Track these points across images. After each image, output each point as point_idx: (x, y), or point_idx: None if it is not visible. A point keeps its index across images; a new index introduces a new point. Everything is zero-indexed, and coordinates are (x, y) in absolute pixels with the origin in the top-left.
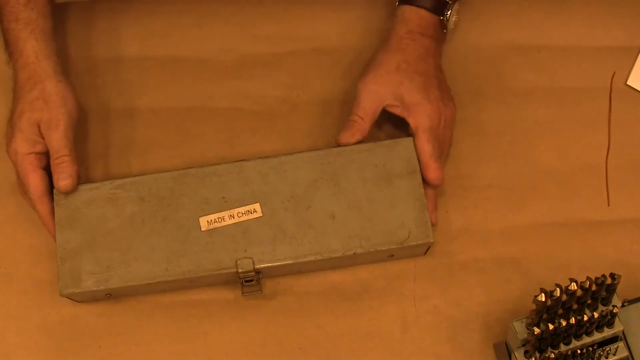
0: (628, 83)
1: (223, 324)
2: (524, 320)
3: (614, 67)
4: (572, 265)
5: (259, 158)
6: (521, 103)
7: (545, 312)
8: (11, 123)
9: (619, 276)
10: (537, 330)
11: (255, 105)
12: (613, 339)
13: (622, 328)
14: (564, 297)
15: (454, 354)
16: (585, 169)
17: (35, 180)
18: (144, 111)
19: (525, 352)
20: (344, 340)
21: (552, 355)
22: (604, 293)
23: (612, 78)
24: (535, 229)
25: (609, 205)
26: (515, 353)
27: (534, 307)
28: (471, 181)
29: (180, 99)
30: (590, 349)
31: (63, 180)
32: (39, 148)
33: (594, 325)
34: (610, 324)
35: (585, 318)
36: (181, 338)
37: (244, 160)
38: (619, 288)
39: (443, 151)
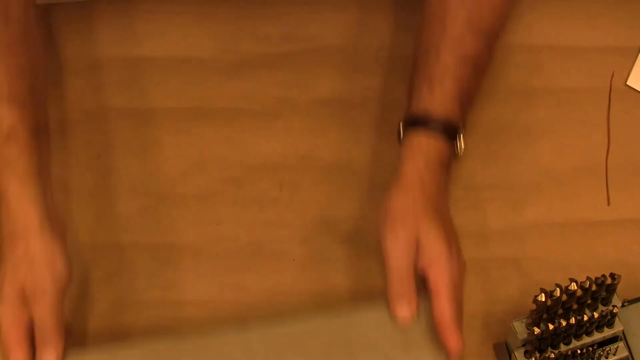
0: (628, 83)
1: (223, 324)
2: (524, 320)
3: (614, 67)
4: (572, 265)
5: (265, 327)
6: (521, 103)
7: (545, 312)
8: None
9: (619, 276)
10: (537, 330)
11: (255, 105)
12: (613, 339)
13: (622, 328)
14: (564, 297)
15: None
16: (585, 169)
17: (17, 356)
18: (143, 111)
19: (525, 352)
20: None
21: (552, 355)
22: (604, 293)
23: (611, 78)
24: (535, 229)
25: (609, 205)
26: (515, 353)
27: (534, 307)
28: (471, 181)
29: (180, 98)
30: (590, 349)
31: (47, 355)
32: (25, 318)
33: (594, 325)
34: (610, 324)
35: (585, 318)
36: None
37: (248, 328)
38: (619, 288)
39: (461, 314)
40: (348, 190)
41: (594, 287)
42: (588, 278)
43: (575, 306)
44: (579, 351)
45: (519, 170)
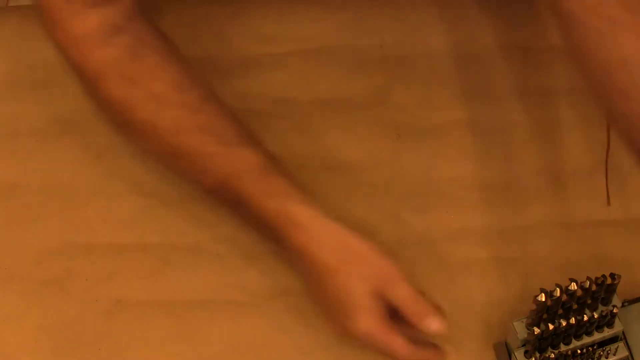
0: None
1: (223, 324)
2: (524, 320)
3: None
4: (572, 265)
5: None
6: (521, 103)
7: (545, 312)
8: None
9: (619, 276)
10: (537, 330)
11: (255, 105)
12: (613, 339)
13: (622, 328)
14: (564, 298)
15: (454, 354)
16: (585, 169)
17: (399, 343)
18: None
19: (526, 352)
20: (344, 340)
21: (552, 355)
22: (604, 293)
23: None
24: (535, 229)
25: (609, 205)
26: (516, 353)
27: (534, 307)
28: (471, 181)
29: None
30: (590, 349)
31: (434, 323)
32: (383, 311)
33: (594, 326)
34: (610, 324)
35: (585, 318)
36: (181, 338)
37: None
38: (618, 288)
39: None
40: (348, 191)
41: (594, 287)
42: (588, 278)
43: (575, 306)
44: (579, 351)
45: (519, 170)
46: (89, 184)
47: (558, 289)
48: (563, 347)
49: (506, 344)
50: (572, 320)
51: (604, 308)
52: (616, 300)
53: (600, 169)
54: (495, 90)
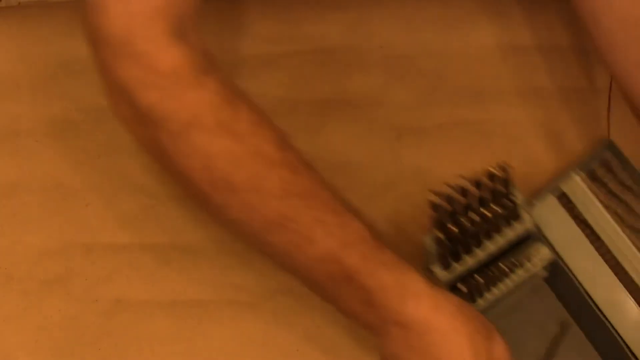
0: None
1: (223, 324)
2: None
3: None
4: None
5: None
6: (521, 103)
7: (449, 218)
8: None
9: (509, 166)
10: (441, 235)
11: None
12: (531, 240)
13: (533, 223)
14: (463, 200)
15: None
16: None
17: None
18: None
19: (442, 264)
20: (344, 340)
21: (470, 261)
22: (502, 187)
23: (611, 78)
24: None
25: None
26: (432, 268)
27: (433, 213)
28: None
29: None
30: (512, 262)
31: None
32: None
33: (502, 222)
34: (516, 218)
35: (488, 214)
36: (181, 338)
37: None
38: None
39: None
40: (348, 191)
41: (485, 181)
42: (476, 174)
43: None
44: (501, 265)
45: (519, 170)
46: (89, 184)
47: (448, 187)
48: (480, 253)
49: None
50: (475, 217)
51: (505, 200)
52: (517, 193)
53: None
54: (495, 90)
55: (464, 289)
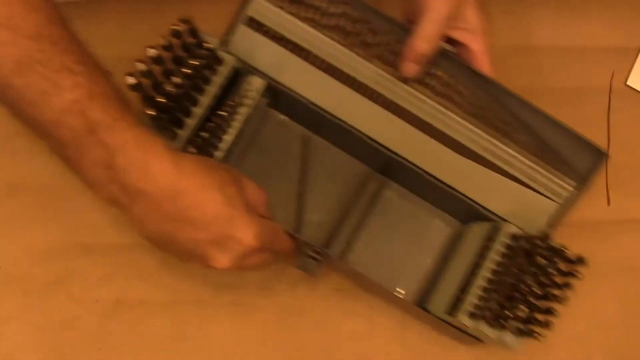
0: (628, 83)
1: (223, 324)
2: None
3: (614, 67)
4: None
5: None
6: None
7: (155, 92)
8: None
9: (189, 20)
10: (152, 111)
11: None
12: (244, 78)
13: (234, 59)
14: (156, 68)
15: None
16: None
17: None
18: None
19: (167, 136)
20: (344, 340)
21: (191, 122)
22: (192, 39)
23: (612, 78)
24: None
25: (609, 205)
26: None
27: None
28: None
29: None
30: (229, 106)
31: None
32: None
33: (207, 72)
34: (219, 62)
35: (188, 70)
36: (181, 338)
37: None
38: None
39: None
40: None
41: (174, 40)
42: (163, 37)
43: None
44: (221, 112)
45: None
46: None
47: (139, 63)
48: (199, 111)
49: None
50: (178, 79)
51: (200, 51)
52: (208, 38)
53: (601, 169)
54: None
55: (194, 150)
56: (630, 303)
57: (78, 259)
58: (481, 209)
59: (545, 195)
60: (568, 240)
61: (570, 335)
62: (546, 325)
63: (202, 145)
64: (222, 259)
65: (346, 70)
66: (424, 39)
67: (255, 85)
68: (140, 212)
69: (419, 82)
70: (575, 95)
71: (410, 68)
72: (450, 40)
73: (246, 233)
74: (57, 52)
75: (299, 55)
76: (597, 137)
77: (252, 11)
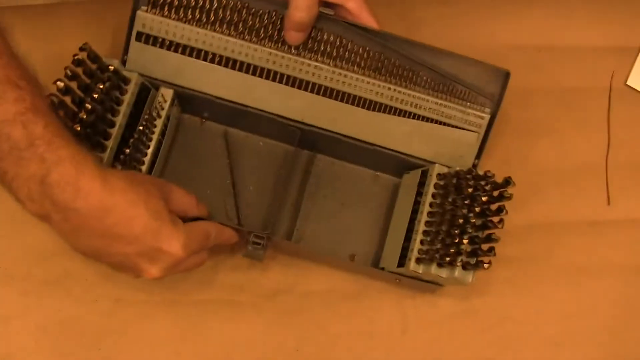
0: (628, 83)
1: (223, 324)
2: None
3: (614, 67)
4: (572, 265)
5: None
6: (521, 103)
7: (70, 121)
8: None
9: (87, 43)
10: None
11: None
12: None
13: (137, 76)
14: (66, 99)
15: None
16: (585, 169)
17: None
18: None
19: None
20: (344, 340)
21: (111, 143)
22: (94, 65)
23: (611, 78)
24: (535, 229)
25: (609, 205)
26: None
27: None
28: None
29: None
30: (145, 119)
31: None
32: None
33: (116, 92)
34: (127, 81)
35: (96, 95)
36: (181, 338)
37: None
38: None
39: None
40: None
41: (77, 69)
42: (67, 68)
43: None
44: (140, 128)
45: (519, 170)
46: None
47: (52, 96)
48: (117, 131)
49: None
50: (89, 106)
51: (105, 74)
52: (110, 60)
53: (601, 169)
54: None
55: (119, 167)
56: (629, 303)
57: (78, 259)
58: (407, 157)
59: (463, 129)
60: (568, 240)
61: (571, 335)
62: (490, 252)
63: (126, 161)
64: (152, 270)
65: (241, 58)
66: (299, 9)
67: (164, 95)
68: (71, 228)
69: (311, 51)
70: (575, 95)
71: (294, 36)
72: (328, 5)
73: (173, 244)
74: (0, 65)
75: (195, 56)
76: (597, 137)
77: (139, 26)
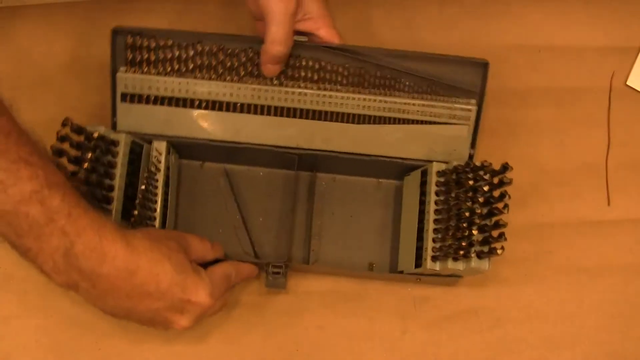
0: (628, 83)
1: (223, 324)
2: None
3: (614, 67)
4: (571, 265)
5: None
6: (521, 103)
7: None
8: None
9: (69, 118)
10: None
11: None
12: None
13: (125, 137)
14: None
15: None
16: (585, 169)
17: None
18: None
19: None
20: (344, 340)
21: (115, 205)
22: (79, 136)
23: (611, 78)
24: (535, 229)
25: (609, 205)
26: None
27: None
28: None
29: None
30: (144, 177)
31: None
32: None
33: (106, 157)
34: (116, 144)
35: (86, 164)
36: (181, 338)
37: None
38: None
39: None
40: None
41: (62, 145)
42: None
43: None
44: (141, 187)
45: (519, 170)
46: None
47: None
48: (118, 194)
49: None
50: (82, 175)
51: (92, 143)
52: (94, 128)
53: (600, 169)
54: (495, 91)
55: (130, 227)
56: (630, 303)
57: None
58: (404, 161)
59: (453, 124)
60: (568, 240)
61: (571, 335)
62: (500, 238)
63: (138, 221)
64: (182, 321)
65: (226, 99)
66: (275, 43)
67: (157, 148)
68: (99, 292)
69: (292, 79)
70: (575, 95)
71: (271, 69)
72: (300, 32)
73: (200, 295)
74: (12, 143)
75: (181, 105)
76: (597, 137)
77: (121, 88)
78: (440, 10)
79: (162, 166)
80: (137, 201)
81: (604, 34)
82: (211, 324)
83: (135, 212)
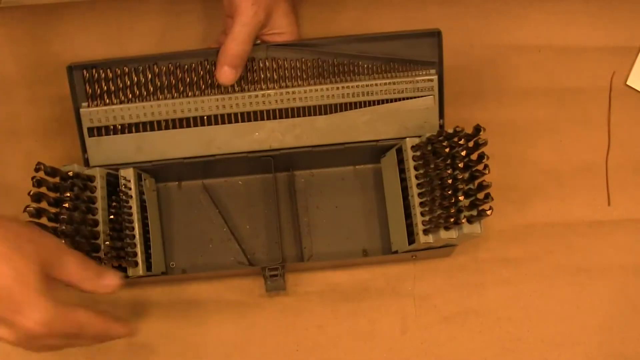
0: (628, 83)
1: (223, 324)
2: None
3: (614, 67)
4: (572, 265)
5: None
6: (521, 103)
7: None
8: None
9: (41, 164)
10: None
11: None
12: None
13: (98, 172)
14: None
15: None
16: (585, 169)
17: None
18: None
19: None
20: (344, 340)
21: (100, 244)
22: (51, 177)
23: (612, 78)
24: (535, 229)
25: (609, 205)
26: None
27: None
28: None
29: None
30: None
31: (109, 278)
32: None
33: (84, 193)
34: (92, 179)
35: (66, 206)
36: (180, 338)
37: None
38: None
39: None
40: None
41: (38, 189)
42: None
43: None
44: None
45: (519, 170)
46: None
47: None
48: (103, 227)
49: None
50: (64, 215)
51: (68, 182)
52: (66, 168)
53: (601, 169)
54: (495, 90)
55: (115, 263)
56: (630, 303)
57: None
58: (377, 143)
59: (418, 96)
60: (568, 240)
61: (571, 335)
62: (487, 199)
63: (121, 255)
64: (7, 336)
65: (192, 114)
66: (236, 41)
67: (124, 176)
68: None
69: (253, 82)
70: (575, 95)
71: (227, 73)
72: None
73: (30, 319)
74: None
75: (149, 129)
76: (597, 137)
77: (87, 123)
78: (441, 11)
79: (132, 192)
80: (108, 234)
81: (604, 34)
82: (210, 323)
83: (107, 243)
